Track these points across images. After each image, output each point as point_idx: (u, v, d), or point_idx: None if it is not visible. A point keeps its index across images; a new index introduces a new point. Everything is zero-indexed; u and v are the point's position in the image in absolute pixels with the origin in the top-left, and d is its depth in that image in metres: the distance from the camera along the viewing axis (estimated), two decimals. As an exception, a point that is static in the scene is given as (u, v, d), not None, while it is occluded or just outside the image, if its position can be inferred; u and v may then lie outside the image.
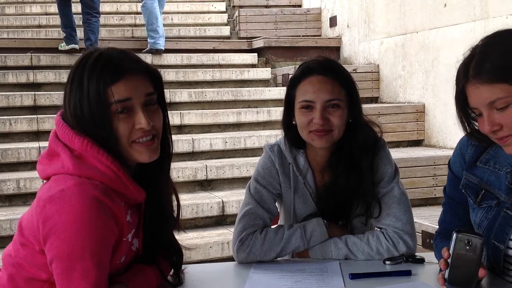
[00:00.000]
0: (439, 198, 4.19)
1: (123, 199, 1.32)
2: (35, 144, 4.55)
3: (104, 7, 7.62)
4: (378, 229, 1.76)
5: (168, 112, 1.46)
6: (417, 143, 5.38)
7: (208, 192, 4.45)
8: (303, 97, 1.71)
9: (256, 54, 6.72)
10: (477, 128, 1.42)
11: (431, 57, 5.23)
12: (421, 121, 5.33)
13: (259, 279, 1.54)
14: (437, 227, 1.68)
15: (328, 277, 1.54)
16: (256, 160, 1.98)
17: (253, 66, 6.62)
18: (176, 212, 1.50)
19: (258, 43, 6.85)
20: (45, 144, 4.45)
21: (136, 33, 7.25)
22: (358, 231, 1.77)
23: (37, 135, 4.87)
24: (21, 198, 4.13)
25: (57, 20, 6.56)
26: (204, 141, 4.86)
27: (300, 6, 8.00)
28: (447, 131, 5.04)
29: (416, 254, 1.68)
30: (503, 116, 1.31)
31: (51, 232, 1.22)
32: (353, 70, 5.84)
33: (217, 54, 6.61)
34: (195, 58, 6.47)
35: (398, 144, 5.27)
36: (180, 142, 4.65)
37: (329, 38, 7.08)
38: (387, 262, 1.64)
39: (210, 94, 5.72)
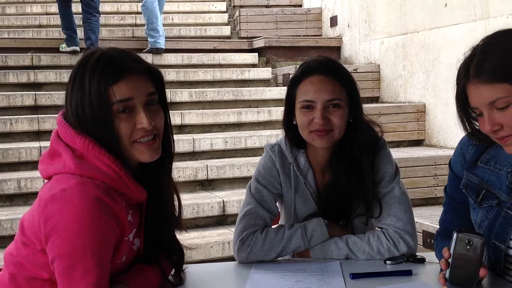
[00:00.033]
0: (440, 198, 4.19)
1: (125, 199, 1.33)
2: (35, 144, 4.55)
3: (104, 7, 7.62)
4: (379, 229, 1.76)
5: (169, 112, 1.46)
6: (418, 143, 5.38)
7: (209, 192, 4.45)
8: (304, 97, 1.71)
9: (256, 54, 6.72)
10: (477, 128, 1.42)
11: (431, 57, 5.23)
12: (421, 121, 5.33)
13: (260, 279, 1.55)
14: (438, 227, 1.68)
15: (329, 277, 1.54)
16: (256, 160, 1.98)
17: (253, 66, 6.61)
18: (177, 212, 1.51)
19: (258, 43, 6.85)
20: (45, 144, 4.46)
21: (136, 33, 7.25)
22: (358, 231, 1.77)
23: (38, 135, 4.88)
24: (22, 198, 4.13)
25: (57, 20, 6.57)
26: (205, 141, 4.86)
27: (300, 6, 8.00)
28: (448, 131, 5.04)
29: (417, 254, 1.68)
30: (503, 116, 1.31)
31: (52, 231, 1.22)
32: (354, 70, 5.84)
33: (218, 54, 6.61)
34: (196, 58, 6.47)
35: (398, 144, 5.27)
36: (181, 142, 4.65)
37: (329, 38, 7.08)
38: (387, 262, 1.64)
39: (211, 94, 5.72)
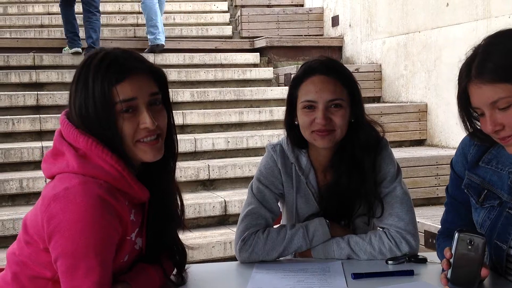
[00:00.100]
0: (442, 198, 4.18)
1: (127, 198, 1.33)
2: (37, 144, 4.56)
3: (106, 7, 7.64)
4: (381, 229, 1.76)
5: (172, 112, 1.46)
6: (420, 142, 5.37)
7: (211, 192, 4.45)
8: (306, 97, 1.71)
9: (258, 53, 6.72)
10: (479, 127, 1.42)
11: (433, 56, 5.22)
12: (423, 121, 5.32)
13: (262, 279, 1.55)
14: (440, 227, 1.68)
15: (331, 276, 1.54)
16: (258, 160, 1.98)
17: (255, 65, 6.62)
18: (180, 212, 1.51)
19: (260, 43, 6.85)
20: (47, 143, 4.47)
21: (138, 32, 7.25)
22: (360, 231, 1.77)
23: (40, 134, 4.88)
24: (24, 197, 4.14)
25: (59, 20, 6.58)
26: (207, 140, 4.86)
27: (302, 5, 8.00)
28: (450, 131, 5.04)
29: (419, 254, 1.68)
30: (505, 116, 1.31)
31: (55, 230, 1.23)
32: (355, 70, 5.84)
33: (219, 53, 6.61)
34: (197, 58, 6.47)
35: (400, 144, 5.27)
36: (183, 142, 4.66)
37: (331, 38, 7.08)
38: (389, 262, 1.64)
39: (212, 93, 5.72)
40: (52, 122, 4.85)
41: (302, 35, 7.24)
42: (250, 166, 4.56)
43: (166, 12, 7.26)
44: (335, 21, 7.14)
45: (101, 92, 1.28)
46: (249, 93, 5.82)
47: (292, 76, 1.84)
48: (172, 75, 5.87)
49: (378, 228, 1.79)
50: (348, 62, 6.59)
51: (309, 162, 1.80)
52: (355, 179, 1.73)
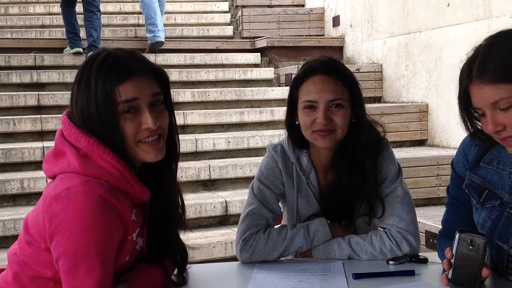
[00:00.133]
0: (443, 198, 4.19)
1: (128, 198, 1.33)
2: (39, 144, 4.56)
3: (107, 7, 7.64)
4: (382, 229, 1.76)
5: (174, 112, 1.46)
6: (420, 142, 5.37)
7: (211, 192, 4.45)
8: (306, 97, 1.71)
9: (259, 53, 6.72)
10: (480, 128, 1.42)
11: (434, 56, 5.22)
12: (424, 121, 5.32)
13: (263, 279, 1.55)
14: (441, 227, 1.68)
15: (331, 277, 1.54)
16: (259, 160, 1.99)
17: (256, 66, 6.62)
18: (181, 212, 1.51)
19: (261, 43, 6.85)
20: (49, 144, 4.47)
21: (139, 33, 7.25)
22: (361, 231, 1.77)
23: (41, 135, 4.88)
24: (25, 198, 4.14)
25: (60, 20, 6.59)
26: (207, 141, 4.86)
27: (303, 5, 8.00)
28: (451, 131, 5.04)
29: (420, 254, 1.68)
30: (506, 116, 1.31)
31: (57, 230, 1.23)
32: (356, 70, 5.83)
33: (220, 54, 6.61)
34: (198, 58, 6.47)
35: (401, 144, 5.27)
36: (183, 142, 4.65)
37: (332, 38, 7.08)
38: (390, 262, 1.64)
39: (213, 94, 5.72)
40: (53, 122, 4.85)
41: (303, 35, 7.24)
42: (251, 166, 4.56)
43: (167, 12, 7.26)
44: (336, 21, 7.14)
45: (103, 92, 1.29)
46: (250, 93, 5.82)
47: (293, 76, 1.84)
48: (173, 75, 5.87)
49: (379, 228, 1.79)
50: (349, 62, 6.59)
51: (310, 162, 1.80)
52: (356, 179, 1.73)
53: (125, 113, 1.31)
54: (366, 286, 1.48)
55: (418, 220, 1.79)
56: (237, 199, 4.14)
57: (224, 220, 4.15)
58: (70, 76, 5.58)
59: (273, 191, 1.79)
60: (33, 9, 7.82)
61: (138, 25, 7.53)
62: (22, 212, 3.78)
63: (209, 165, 4.52)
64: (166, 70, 1.44)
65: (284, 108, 1.84)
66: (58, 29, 7.12)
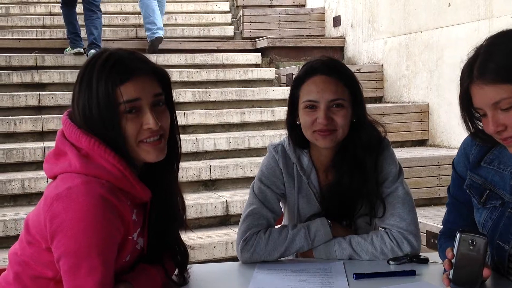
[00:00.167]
0: (443, 198, 4.19)
1: (129, 198, 1.34)
2: (39, 144, 4.56)
3: (108, 7, 7.64)
4: (382, 229, 1.76)
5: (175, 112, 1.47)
6: (421, 143, 5.37)
7: (212, 192, 4.45)
8: (307, 97, 1.71)
9: (260, 54, 6.72)
10: (481, 128, 1.42)
11: (435, 56, 5.22)
12: (425, 121, 5.32)
13: (263, 279, 1.55)
14: (441, 227, 1.68)
15: (332, 277, 1.54)
16: (260, 160, 1.98)
17: (257, 66, 6.62)
18: (182, 212, 1.51)
19: (262, 43, 6.85)
20: (49, 144, 4.47)
21: (140, 33, 7.25)
22: (362, 231, 1.77)
23: (42, 135, 4.89)
24: (26, 198, 4.14)
25: (61, 21, 6.59)
26: (208, 141, 4.86)
27: (304, 6, 8.00)
28: (452, 131, 5.03)
29: (420, 254, 1.68)
30: (507, 116, 1.31)
31: (58, 229, 1.23)
32: (357, 70, 5.83)
33: (221, 54, 6.61)
34: (199, 58, 6.47)
35: (402, 144, 5.27)
36: (184, 142, 4.63)
37: (333, 38, 7.07)
38: (391, 262, 1.64)
39: (214, 94, 5.72)
40: (54, 122, 4.85)
41: (303, 35, 7.24)
42: (251, 166, 4.56)
43: (167, 13, 7.26)
44: (336, 21, 7.14)
45: (105, 92, 1.29)
46: (250, 93, 5.82)
47: (294, 76, 1.84)
48: (174, 75, 5.87)
49: (380, 228, 1.79)
50: (350, 62, 6.59)
51: (310, 162, 1.80)
52: (356, 179, 1.73)
53: (127, 113, 1.31)
54: (367, 286, 1.48)
55: (419, 220, 1.79)
56: (238, 199, 4.14)
57: (225, 220, 4.15)
58: (71, 76, 5.58)
59: (274, 191, 1.79)
60: (34, 9, 7.82)
61: (139, 26, 7.52)
62: (23, 212, 3.78)
63: (210, 165, 4.52)
64: (167, 70, 1.45)
65: (285, 108, 1.83)
66: (59, 29, 7.12)
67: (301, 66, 2.01)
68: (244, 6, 7.86)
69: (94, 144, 1.29)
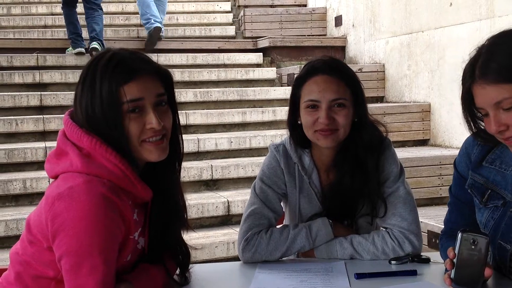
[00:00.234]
0: (445, 198, 4.18)
1: (131, 198, 1.34)
2: (41, 144, 4.57)
3: (109, 7, 7.64)
4: (384, 229, 1.75)
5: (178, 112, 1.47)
6: (423, 142, 5.37)
7: (214, 192, 4.45)
8: (309, 96, 1.71)
9: (261, 53, 6.72)
10: (483, 128, 1.42)
11: (436, 56, 5.21)
12: (426, 121, 5.31)
13: (265, 279, 1.55)
14: (443, 226, 1.68)
15: (334, 276, 1.54)
16: (261, 160, 1.98)
17: (258, 65, 6.61)
18: (183, 212, 1.51)
19: (263, 43, 6.85)
20: (51, 144, 4.48)
21: (141, 33, 7.25)
22: (363, 230, 1.77)
23: (43, 135, 4.89)
24: (28, 198, 4.15)
25: (62, 21, 6.59)
26: (209, 141, 4.86)
27: (305, 5, 7.99)
28: (453, 131, 5.03)
29: (422, 254, 1.68)
30: (509, 116, 1.31)
31: (60, 229, 1.23)
32: (359, 70, 5.83)
33: (223, 53, 6.61)
34: (201, 58, 6.47)
35: (403, 144, 5.26)
36: (186, 142, 4.58)
37: (334, 38, 7.07)
38: (392, 262, 1.64)
39: (215, 94, 5.72)
40: (56, 122, 4.86)
41: (305, 35, 7.23)
42: (253, 166, 4.56)
43: (169, 13, 7.26)
44: (338, 21, 7.14)
45: (108, 92, 1.29)
46: (252, 93, 5.82)
47: (295, 76, 1.84)
48: (176, 75, 5.74)
49: (381, 228, 1.79)
50: (351, 62, 6.59)
51: (312, 162, 1.80)
52: (358, 179, 1.72)
53: (130, 113, 1.31)
54: (368, 286, 1.48)
55: (420, 220, 1.79)
56: (239, 199, 4.14)
57: (226, 220, 4.15)
58: (72, 76, 5.59)
59: (275, 191, 1.79)
60: (35, 9, 7.83)
61: (141, 26, 7.51)
62: (25, 212, 3.78)
63: (211, 165, 4.52)
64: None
65: (286, 108, 1.84)
66: (60, 29, 7.12)
67: (302, 66, 2.01)
68: (246, 6, 7.86)
69: (95, 144, 1.30)
